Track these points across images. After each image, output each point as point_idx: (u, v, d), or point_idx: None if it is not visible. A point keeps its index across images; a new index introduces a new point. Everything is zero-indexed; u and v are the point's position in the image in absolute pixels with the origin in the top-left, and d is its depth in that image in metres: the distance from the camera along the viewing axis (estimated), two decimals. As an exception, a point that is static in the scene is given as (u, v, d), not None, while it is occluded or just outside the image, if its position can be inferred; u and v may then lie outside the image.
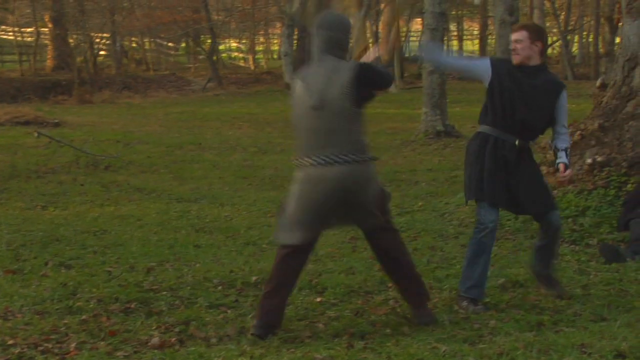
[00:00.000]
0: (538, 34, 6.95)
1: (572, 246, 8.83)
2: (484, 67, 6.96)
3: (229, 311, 6.79)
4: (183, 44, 51.39)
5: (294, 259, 6.27)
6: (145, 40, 48.31)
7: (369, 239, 6.44)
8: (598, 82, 11.04)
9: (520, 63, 6.89)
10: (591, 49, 42.69)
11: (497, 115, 6.84)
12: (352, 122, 6.11)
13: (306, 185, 6.15)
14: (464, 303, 6.84)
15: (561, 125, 7.04)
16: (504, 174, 6.82)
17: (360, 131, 6.16)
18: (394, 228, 6.54)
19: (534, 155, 7.09)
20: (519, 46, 6.88)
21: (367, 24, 38.57)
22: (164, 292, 7.25)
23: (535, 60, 6.92)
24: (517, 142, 6.82)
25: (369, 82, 6.11)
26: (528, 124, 6.86)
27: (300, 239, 6.20)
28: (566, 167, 7.00)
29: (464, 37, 59.43)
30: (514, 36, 6.95)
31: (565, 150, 7.05)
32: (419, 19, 48.04)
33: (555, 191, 9.86)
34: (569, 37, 43.96)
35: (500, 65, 6.98)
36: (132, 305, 6.88)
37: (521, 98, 6.81)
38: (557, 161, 7.03)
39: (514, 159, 6.83)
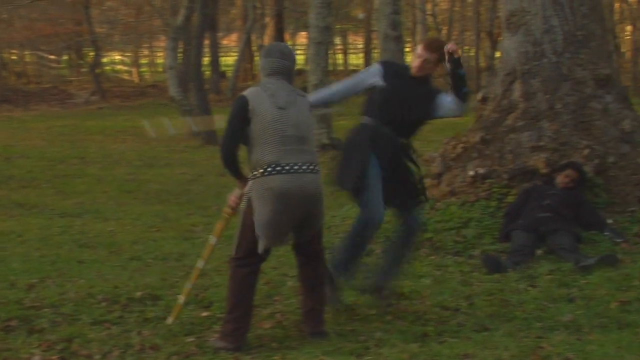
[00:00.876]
0: (442, 59, 6.98)
1: (456, 257, 8.95)
2: (374, 71, 7.10)
3: (113, 327, 6.69)
4: (65, 57, 50.59)
5: (253, 275, 6.34)
6: (25, 52, 47.39)
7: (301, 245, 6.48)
8: (479, 96, 11.25)
9: (417, 75, 7.01)
10: (472, 63, 43.50)
11: (382, 111, 6.96)
12: (312, 133, 6.42)
13: (278, 193, 6.13)
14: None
15: (442, 102, 7.02)
16: (389, 169, 6.94)
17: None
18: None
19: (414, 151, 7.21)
20: (426, 66, 6.98)
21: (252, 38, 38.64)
22: (46, 309, 7.11)
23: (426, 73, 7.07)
24: (402, 139, 6.98)
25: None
26: (406, 124, 6.99)
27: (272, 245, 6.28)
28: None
29: (349, 51, 59.94)
30: (426, 54, 6.97)
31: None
32: (304, 33, 48.31)
33: (438, 203, 10.01)
34: (451, 52, 44.62)
35: (390, 69, 7.14)
36: (13, 323, 6.73)
37: (403, 101, 6.93)
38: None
39: (398, 154, 6.98)
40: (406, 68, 7.20)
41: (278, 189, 6.10)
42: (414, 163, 7.14)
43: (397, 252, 7.21)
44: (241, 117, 6.21)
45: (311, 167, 6.24)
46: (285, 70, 6.38)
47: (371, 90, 7.10)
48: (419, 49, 7.08)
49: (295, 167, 6.16)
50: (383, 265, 7.26)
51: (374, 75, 7.09)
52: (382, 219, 6.95)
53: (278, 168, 6.12)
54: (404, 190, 7.05)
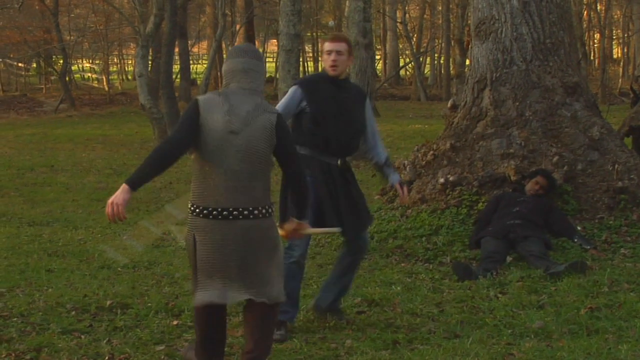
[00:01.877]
0: (352, 48, 6.88)
1: (426, 264, 8.97)
2: (296, 97, 6.68)
3: (82, 337, 6.64)
4: (34, 65, 50.30)
5: (218, 310, 5.67)
6: (-6, 60, 47.11)
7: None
8: (449, 103, 11.31)
9: (336, 76, 6.73)
10: (442, 71, 43.66)
11: (315, 138, 6.65)
12: (268, 162, 5.50)
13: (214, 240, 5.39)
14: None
15: (372, 134, 6.93)
16: (330, 197, 6.66)
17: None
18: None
19: (353, 172, 6.95)
20: (339, 58, 6.68)
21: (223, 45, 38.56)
22: (15, 319, 7.05)
23: (345, 73, 6.85)
24: (339, 162, 6.73)
25: (284, 135, 5.50)
26: (346, 140, 6.72)
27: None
28: (401, 184, 6.94)
29: (320, 58, 59.97)
30: (335, 46, 6.67)
31: (387, 161, 6.96)
32: (274, 40, 48.28)
33: (409, 210, 10.03)
34: (421, 59, 44.86)
35: (311, 88, 6.74)
36: (-19, 333, 6.67)
37: (338, 117, 6.66)
38: (390, 181, 6.93)
39: (338, 180, 6.71)
40: (323, 77, 6.81)
41: (207, 234, 5.37)
42: (354, 185, 6.84)
43: (342, 271, 7.02)
44: (191, 123, 5.34)
45: (248, 210, 5.35)
46: (258, 75, 5.50)
47: (300, 115, 6.70)
48: (326, 46, 6.76)
49: (225, 213, 5.32)
50: (327, 284, 7.09)
51: (298, 101, 6.66)
52: (297, 252, 6.57)
53: (205, 212, 5.35)
54: (349, 213, 6.72)
